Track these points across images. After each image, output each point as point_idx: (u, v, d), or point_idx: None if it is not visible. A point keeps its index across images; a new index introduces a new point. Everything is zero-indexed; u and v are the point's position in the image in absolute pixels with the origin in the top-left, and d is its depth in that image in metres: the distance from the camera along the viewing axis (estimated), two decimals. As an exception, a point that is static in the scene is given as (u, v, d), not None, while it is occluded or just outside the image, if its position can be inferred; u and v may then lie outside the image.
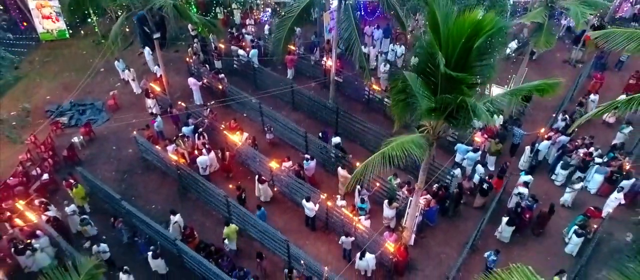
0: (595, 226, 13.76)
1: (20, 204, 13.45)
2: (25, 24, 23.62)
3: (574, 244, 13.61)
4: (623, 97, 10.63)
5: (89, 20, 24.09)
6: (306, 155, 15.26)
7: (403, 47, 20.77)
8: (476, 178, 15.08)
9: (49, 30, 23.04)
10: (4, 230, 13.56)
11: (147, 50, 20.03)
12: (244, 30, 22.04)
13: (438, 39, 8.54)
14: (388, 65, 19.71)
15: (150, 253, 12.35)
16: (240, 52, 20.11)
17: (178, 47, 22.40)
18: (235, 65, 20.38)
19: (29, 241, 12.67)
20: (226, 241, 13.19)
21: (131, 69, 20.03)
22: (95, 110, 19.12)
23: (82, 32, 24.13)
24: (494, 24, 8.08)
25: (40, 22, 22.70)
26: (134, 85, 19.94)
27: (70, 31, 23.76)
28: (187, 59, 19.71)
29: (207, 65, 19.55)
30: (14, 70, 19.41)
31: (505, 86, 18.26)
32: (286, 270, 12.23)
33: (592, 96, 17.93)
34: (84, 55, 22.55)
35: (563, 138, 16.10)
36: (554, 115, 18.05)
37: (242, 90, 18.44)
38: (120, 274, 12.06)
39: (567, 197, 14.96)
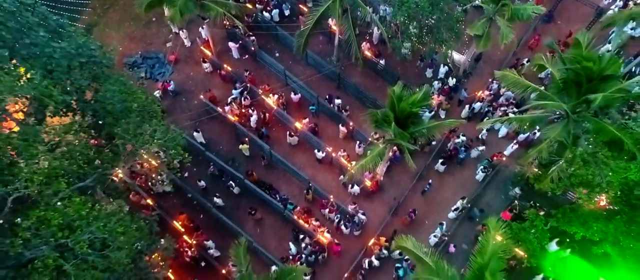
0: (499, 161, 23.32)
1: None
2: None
3: (480, 176, 23.49)
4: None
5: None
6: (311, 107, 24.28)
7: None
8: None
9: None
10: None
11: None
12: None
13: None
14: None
15: (232, 183, 22.33)
16: (265, 13, 26.57)
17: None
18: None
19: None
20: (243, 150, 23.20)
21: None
22: (161, 64, 26.75)
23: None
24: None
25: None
26: (183, 37, 26.87)
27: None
28: (225, 24, 26.18)
29: (240, 28, 26.14)
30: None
31: (464, 51, 25.61)
32: (305, 191, 22.46)
33: (525, 61, 25.43)
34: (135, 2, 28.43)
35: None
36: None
37: (269, 47, 25.71)
38: (214, 198, 22.23)
39: (485, 132, 24.02)
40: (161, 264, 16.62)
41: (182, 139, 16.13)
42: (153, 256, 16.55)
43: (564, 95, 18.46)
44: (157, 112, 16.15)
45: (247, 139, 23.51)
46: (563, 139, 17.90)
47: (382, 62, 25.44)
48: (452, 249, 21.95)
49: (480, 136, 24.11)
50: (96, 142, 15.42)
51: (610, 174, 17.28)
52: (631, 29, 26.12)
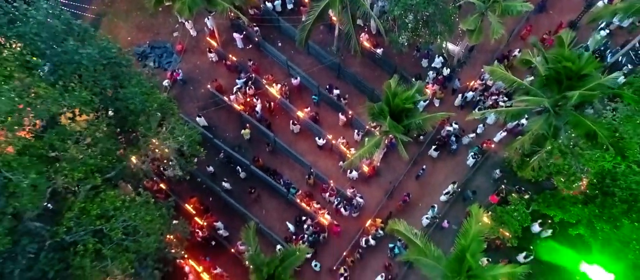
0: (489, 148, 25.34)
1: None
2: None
3: (471, 161, 25.49)
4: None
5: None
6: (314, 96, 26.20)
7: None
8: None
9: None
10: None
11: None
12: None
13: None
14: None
15: (239, 168, 24.40)
16: (268, 4, 28.07)
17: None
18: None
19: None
20: (244, 135, 25.22)
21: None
22: (169, 53, 28.42)
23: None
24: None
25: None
26: (189, 27, 28.47)
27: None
28: (230, 15, 27.68)
29: (244, 19, 27.65)
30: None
31: (458, 42, 27.24)
32: (307, 176, 24.54)
33: (516, 52, 27.08)
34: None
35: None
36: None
37: (271, 37, 27.40)
38: (222, 182, 24.31)
39: (481, 126, 25.90)
40: (178, 244, 18.76)
41: (197, 136, 18.04)
42: (171, 237, 18.67)
43: (547, 90, 20.25)
44: (174, 110, 17.99)
45: (248, 125, 25.49)
46: (544, 131, 19.81)
47: (379, 51, 27.08)
48: (446, 224, 24.25)
49: (477, 131, 25.85)
50: (120, 137, 17.27)
51: (585, 163, 19.19)
52: (618, 21, 27.62)
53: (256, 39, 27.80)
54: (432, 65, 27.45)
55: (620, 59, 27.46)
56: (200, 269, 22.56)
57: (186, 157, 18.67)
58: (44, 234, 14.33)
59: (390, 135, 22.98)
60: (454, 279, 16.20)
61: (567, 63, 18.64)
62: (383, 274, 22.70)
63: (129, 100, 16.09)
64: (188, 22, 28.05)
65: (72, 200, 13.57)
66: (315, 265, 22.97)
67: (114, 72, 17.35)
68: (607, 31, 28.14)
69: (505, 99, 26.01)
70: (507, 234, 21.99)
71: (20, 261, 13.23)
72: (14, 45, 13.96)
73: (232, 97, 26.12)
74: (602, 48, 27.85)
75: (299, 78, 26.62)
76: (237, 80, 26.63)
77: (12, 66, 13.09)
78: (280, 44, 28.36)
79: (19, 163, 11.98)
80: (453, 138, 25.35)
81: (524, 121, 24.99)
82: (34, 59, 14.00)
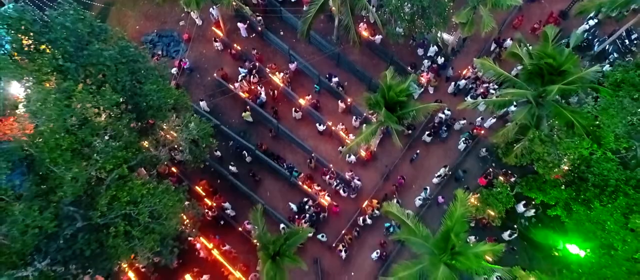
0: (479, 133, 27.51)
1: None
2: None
3: (462, 146, 27.65)
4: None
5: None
6: (315, 85, 28.13)
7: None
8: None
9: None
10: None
11: None
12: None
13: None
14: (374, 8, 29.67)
15: (246, 153, 26.61)
16: (270, -6, 29.74)
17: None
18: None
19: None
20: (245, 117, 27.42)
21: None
22: (176, 42, 30.24)
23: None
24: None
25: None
26: (195, 16, 30.19)
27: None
28: (233, 3, 29.32)
29: (247, 10, 29.38)
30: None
31: (452, 32, 29.02)
32: (308, 160, 26.77)
33: (508, 41, 28.88)
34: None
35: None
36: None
37: (274, 26, 29.33)
38: (229, 166, 26.53)
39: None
40: (192, 225, 21.11)
41: (211, 129, 20.14)
42: (185, 219, 21.00)
43: (531, 82, 22.21)
44: (188, 105, 20.01)
45: (248, 107, 27.71)
46: (528, 121, 21.87)
47: (378, 38, 28.94)
48: (441, 199, 26.60)
49: (476, 121, 27.96)
50: (139, 129, 19.35)
51: (564, 151, 21.31)
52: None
53: (259, 28, 29.56)
54: (428, 54, 29.29)
55: (607, 48, 29.33)
56: (210, 246, 25.00)
57: (200, 147, 20.78)
58: (77, 217, 16.60)
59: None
60: (440, 255, 18.52)
61: (549, 59, 20.59)
62: (379, 250, 25.15)
63: (148, 96, 18.09)
64: (194, 12, 29.70)
65: (104, 188, 15.76)
66: (322, 236, 25.49)
67: (132, 68, 19.29)
68: (596, 20, 29.90)
69: (496, 86, 27.98)
70: (493, 214, 24.29)
71: (60, 241, 15.52)
72: (47, 50, 15.87)
73: (236, 85, 28.06)
74: (590, 37, 29.69)
75: (296, 63, 28.54)
76: (240, 69, 28.47)
77: (48, 71, 15.06)
78: (282, 33, 30.19)
79: (63, 159, 14.08)
80: (444, 127, 27.39)
81: (513, 108, 27.06)
82: (66, 63, 15.94)
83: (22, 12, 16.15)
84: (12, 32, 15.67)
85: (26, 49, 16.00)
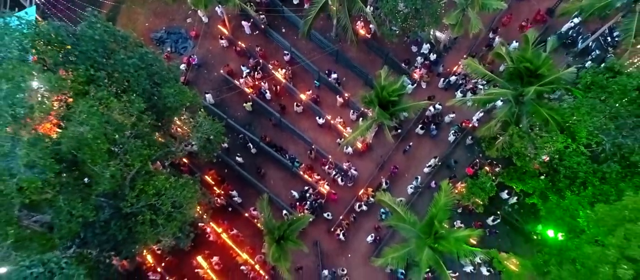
0: (467, 126, 30.21)
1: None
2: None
3: (452, 137, 30.37)
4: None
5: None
6: (315, 81, 30.71)
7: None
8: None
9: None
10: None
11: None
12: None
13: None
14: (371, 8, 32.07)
15: (251, 145, 29.36)
16: (272, -7, 32.10)
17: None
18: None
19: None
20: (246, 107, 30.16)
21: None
22: (184, 39, 32.69)
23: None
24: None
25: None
26: (201, 14, 32.56)
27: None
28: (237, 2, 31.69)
29: (249, 10, 31.63)
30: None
31: (444, 30, 31.46)
32: (309, 151, 29.55)
33: (497, 39, 31.33)
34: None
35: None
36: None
37: (276, 24, 31.79)
38: (236, 157, 29.29)
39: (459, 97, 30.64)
40: (204, 212, 24.02)
41: (222, 129, 22.85)
42: (198, 206, 23.91)
43: (513, 82, 24.78)
44: (201, 105, 22.62)
45: (249, 98, 30.29)
46: (508, 118, 24.53)
47: (376, 30, 31.36)
48: (433, 184, 29.41)
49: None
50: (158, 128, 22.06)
51: (540, 145, 23.97)
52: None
53: (262, 26, 31.97)
54: (421, 51, 31.77)
55: (590, 45, 31.77)
56: (219, 230, 27.98)
57: (213, 144, 23.53)
58: (106, 207, 19.46)
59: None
60: (425, 239, 21.41)
61: (527, 63, 23.16)
62: (373, 234, 28.13)
63: (166, 99, 20.70)
64: (200, 10, 32.04)
65: (128, 181, 18.56)
66: (327, 215, 28.51)
67: (149, 72, 21.85)
68: (580, 18, 32.23)
69: (484, 82, 30.53)
70: (478, 201, 27.14)
71: (96, 228, 18.39)
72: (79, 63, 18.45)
73: (241, 80, 30.62)
74: (574, 35, 32.11)
75: (289, 54, 31.15)
76: (242, 67, 30.93)
77: (83, 80, 17.65)
78: (284, 30, 32.61)
79: (102, 159, 16.77)
80: (433, 126, 30.05)
81: (500, 103, 29.70)
82: (96, 72, 18.53)
83: (57, 28, 18.65)
84: (49, 48, 18.21)
85: (61, 59, 18.56)
